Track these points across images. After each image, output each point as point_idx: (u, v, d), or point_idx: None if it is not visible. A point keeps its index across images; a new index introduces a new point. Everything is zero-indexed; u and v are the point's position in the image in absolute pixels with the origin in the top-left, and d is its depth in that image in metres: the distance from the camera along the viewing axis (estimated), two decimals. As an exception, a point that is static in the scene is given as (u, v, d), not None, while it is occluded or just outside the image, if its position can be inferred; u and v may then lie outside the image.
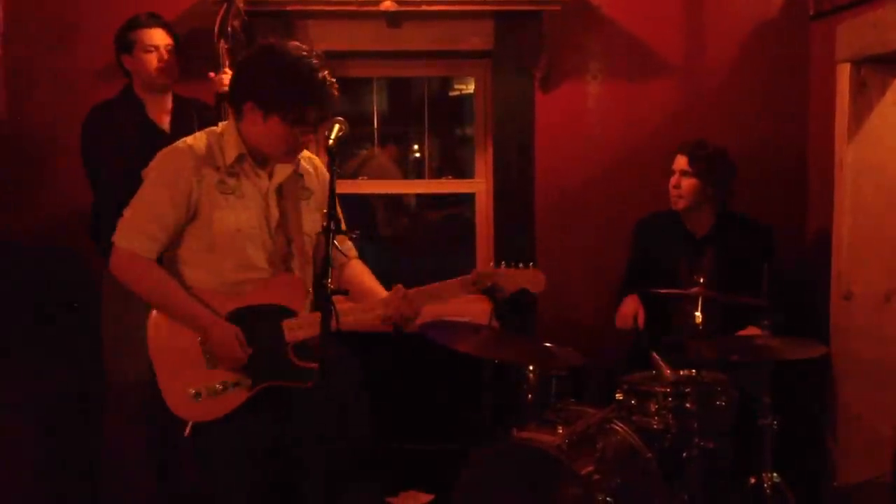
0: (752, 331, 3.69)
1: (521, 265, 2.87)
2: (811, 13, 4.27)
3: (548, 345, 3.33)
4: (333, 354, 2.60)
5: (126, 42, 3.74)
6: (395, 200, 5.26)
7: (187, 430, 2.76)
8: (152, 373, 2.80)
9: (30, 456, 3.76)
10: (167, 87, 3.82)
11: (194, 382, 2.75)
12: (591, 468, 3.10)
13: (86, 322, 3.81)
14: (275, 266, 2.84)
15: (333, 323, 2.49)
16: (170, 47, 3.76)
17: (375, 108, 4.90)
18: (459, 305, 3.88)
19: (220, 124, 2.90)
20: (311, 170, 2.96)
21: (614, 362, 3.88)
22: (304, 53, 2.73)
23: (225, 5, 3.80)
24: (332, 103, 2.75)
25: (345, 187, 4.17)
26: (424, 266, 5.08)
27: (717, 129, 4.19)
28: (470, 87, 4.83)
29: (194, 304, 2.76)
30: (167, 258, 2.82)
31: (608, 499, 3.04)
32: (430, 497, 4.07)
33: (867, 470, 3.77)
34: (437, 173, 4.92)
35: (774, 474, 3.43)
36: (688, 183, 3.89)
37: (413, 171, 5.19)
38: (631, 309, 3.87)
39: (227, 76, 3.66)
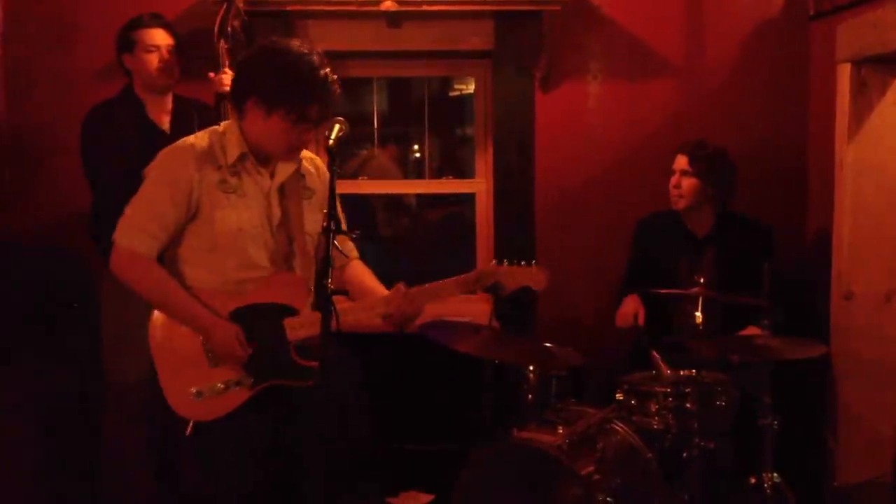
0: (752, 331, 3.69)
1: (523, 263, 2.88)
2: (811, 13, 4.27)
3: (548, 345, 3.33)
4: (333, 354, 2.60)
5: (127, 41, 3.74)
6: (395, 200, 5.26)
7: (189, 430, 2.76)
8: (153, 372, 2.80)
9: (30, 456, 3.76)
10: (168, 88, 3.81)
11: (196, 381, 2.75)
12: (591, 468, 3.10)
13: (86, 322, 3.81)
14: (276, 265, 2.84)
15: (333, 323, 2.49)
16: (171, 47, 3.76)
17: (375, 108, 4.90)
18: (459, 306, 3.89)
19: (222, 123, 2.90)
20: (312, 170, 2.96)
21: (614, 362, 3.88)
22: (306, 51, 2.74)
23: (225, 5, 3.80)
24: (334, 100, 2.76)
25: (345, 187, 4.17)
26: (425, 266, 5.08)
27: (718, 129, 4.19)
28: (470, 87, 4.83)
29: (194, 303, 2.76)
30: (168, 257, 2.82)
31: (608, 499, 3.03)
32: (430, 497, 4.07)
33: (867, 470, 3.77)
34: (438, 173, 4.92)
35: (775, 474, 3.43)
36: (688, 183, 3.89)
37: (413, 171, 5.19)
38: (631, 308, 3.87)
39: (226, 76, 3.66)
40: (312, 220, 2.87)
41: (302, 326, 2.78)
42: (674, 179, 3.94)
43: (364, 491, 3.75)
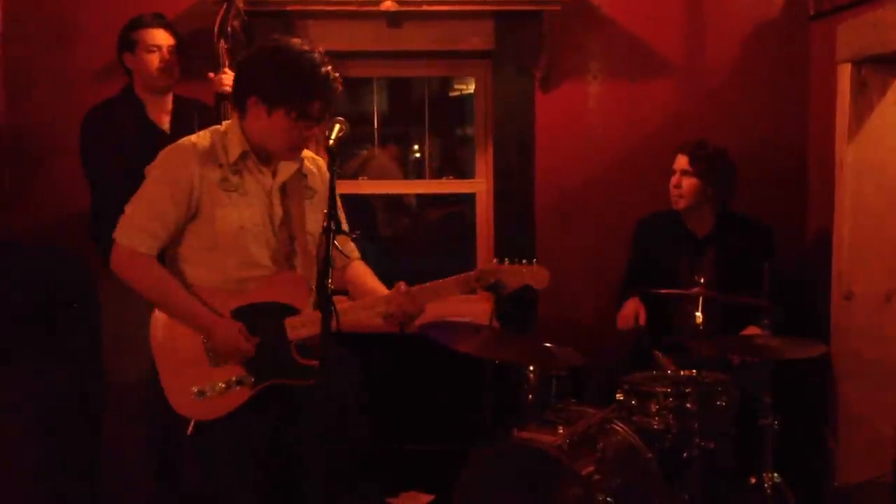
0: (752, 331, 3.69)
1: (524, 262, 2.88)
2: (811, 13, 4.27)
3: (548, 345, 3.33)
4: (333, 354, 2.60)
5: (129, 41, 3.74)
6: (395, 200, 5.26)
7: (190, 429, 2.76)
8: (153, 372, 2.80)
9: (30, 456, 3.75)
10: (168, 88, 3.81)
11: (197, 381, 2.75)
12: (591, 468, 3.10)
13: (85, 322, 3.81)
14: (278, 264, 2.84)
15: (334, 323, 2.49)
16: (172, 48, 3.76)
17: (376, 108, 4.90)
18: (460, 305, 3.89)
19: (224, 123, 2.91)
20: (314, 170, 2.97)
21: (615, 362, 3.88)
22: (307, 49, 2.74)
23: (225, 5, 3.80)
24: (336, 98, 2.77)
25: (345, 187, 4.17)
26: (425, 266, 5.08)
27: (718, 129, 4.19)
28: (470, 87, 4.83)
29: (194, 302, 2.76)
30: (169, 256, 2.83)
31: (609, 499, 3.03)
32: (430, 497, 4.07)
33: (868, 470, 3.77)
34: (438, 173, 4.92)
35: (775, 474, 3.43)
36: (688, 183, 3.89)
37: (413, 171, 5.19)
38: (631, 310, 3.86)
39: (226, 76, 3.66)
40: (314, 219, 2.87)
41: (303, 325, 2.78)
42: (674, 179, 3.94)
43: (364, 491, 3.75)
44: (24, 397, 3.70)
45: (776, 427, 3.41)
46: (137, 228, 2.75)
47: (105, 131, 3.72)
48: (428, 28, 4.31)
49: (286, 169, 2.88)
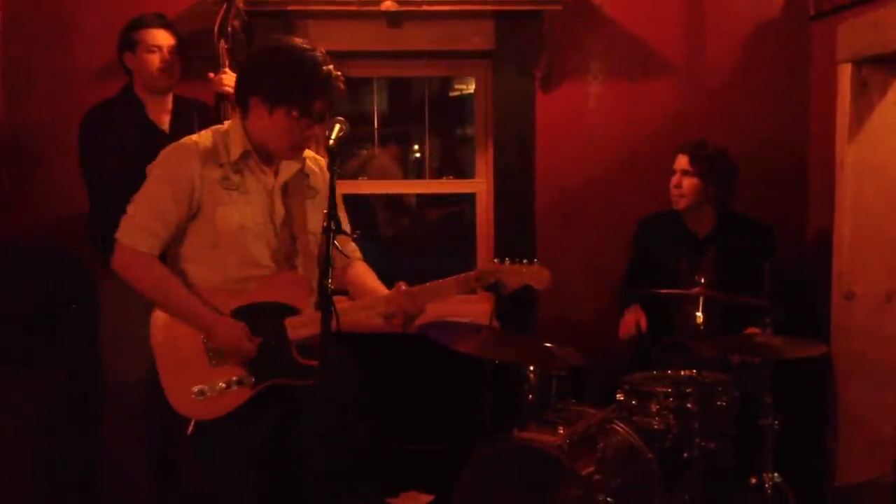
0: (753, 332, 3.68)
1: (525, 261, 2.87)
2: (812, 13, 4.27)
3: (548, 345, 3.32)
4: (333, 354, 2.59)
5: (129, 40, 3.73)
6: (395, 200, 5.26)
7: (190, 429, 2.75)
8: (153, 372, 2.80)
9: (29, 456, 3.75)
10: (168, 88, 3.80)
11: (197, 380, 2.75)
12: (591, 468, 3.09)
13: (85, 322, 3.80)
14: (279, 264, 2.84)
15: (334, 323, 2.49)
16: (172, 48, 3.75)
17: (376, 108, 4.90)
18: (460, 305, 3.89)
19: (226, 122, 2.91)
20: (316, 170, 2.97)
21: (615, 362, 3.87)
22: (309, 48, 2.75)
23: (225, 5, 3.79)
24: (338, 97, 2.77)
25: (345, 187, 4.16)
26: (425, 266, 5.08)
27: (718, 129, 4.19)
28: (470, 87, 4.83)
29: (196, 301, 2.76)
30: (170, 256, 2.82)
31: (609, 499, 3.03)
32: (430, 497, 4.07)
33: (868, 470, 3.77)
34: (438, 173, 4.92)
35: (775, 474, 3.42)
36: (689, 182, 3.89)
37: (413, 171, 5.18)
38: (633, 318, 3.86)
39: (226, 76, 3.66)
40: (316, 219, 2.87)
41: (303, 325, 2.78)
42: (674, 179, 3.93)
43: (364, 491, 3.74)
44: (23, 397, 3.70)
45: (776, 427, 3.40)
46: (139, 228, 2.75)
47: (104, 131, 3.72)
48: (428, 28, 4.31)
49: (288, 168, 2.88)
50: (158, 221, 2.75)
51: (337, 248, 2.54)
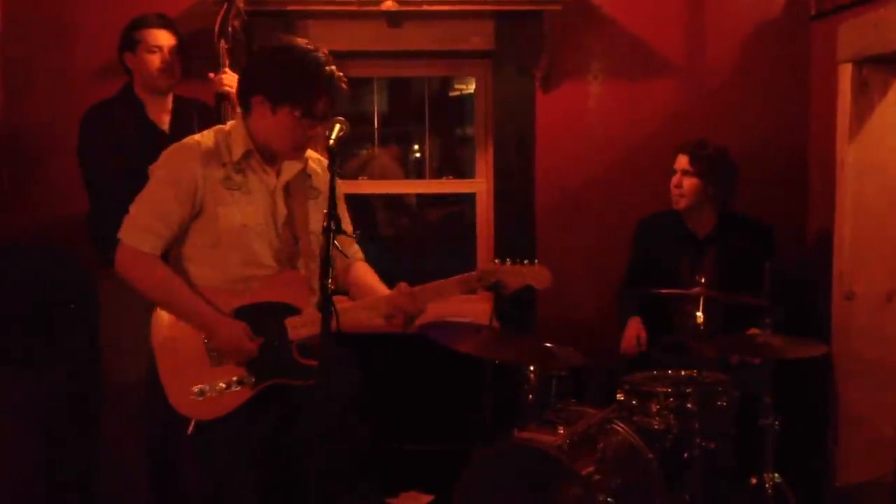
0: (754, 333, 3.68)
1: (525, 262, 2.87)
2: (812, 13, 4.27)
3: (548, 345, 3.32)
4: (333, 354, 2.59)
5: (130, 40, 3.73)
6: (395, 200, 5.25)
7: (190, 429, 2.75)
8: (153, 372, 2.79)
9: (28, 456, 3.75)
10: (169, 89, 3.79)
11: (198, 380, 2.75)
12: (591, 468, 3.09)
13: (84, 322, 3.80)
14: (281, 263, 2.85)
15: (333, 323, 2.49)
16: (173, 48, 3.75)
17: (376, 108, 4.89)
18: (460, 305, 3.88)
19: (229, 122, 2.91)
20: (319, 170, 2.97)
21: (615, 362, 3.87)
22: (312, 48, 2.76)
23: (225, 5, 3.79)
24: (340, 97, 2.77)
25: (345, 187, 4.14)
26: (425, 266, 5.07)
27: (719, 129, 4.18)
28: (470, 87, 4.82)
29: (198, 301, 2.76)
30: (172, 256, 2.83)
31: (609, 499, 3.02)
32: (430, 498, 4.06)
33: (869, 470, 3.77)
34: (438, 173, 4.92)
35: (776, 474, 3.41)
36: (689, 182, 3.88)
37: (413, 170, 5.18)
38: (634, 333, 3.87)
39: (227, 76, 3.65)
40: (318, 219, 2.87)
41: (304, 325, 2.78)
42: (675, 179, 3.93)
43: (364, 491, 3.74)
44: (22, 397, 3.69)
45: (777, 427, 3.40)
46: (141, 228, 2.75)
47: (104, 131, 3.71)
48: (428, 28, 4.30)
49: (290, 168, 2.88)
50: (161, 221, 2.75)
51: (337, 248, 2.54)
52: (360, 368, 3.72)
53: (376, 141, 4.95)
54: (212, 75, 3.71)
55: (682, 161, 3.90)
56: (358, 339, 3.23)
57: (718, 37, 4.36)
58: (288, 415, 2.85)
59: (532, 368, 3.40)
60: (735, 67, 4.36)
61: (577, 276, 4.34)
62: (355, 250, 3.06)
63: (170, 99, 3.82)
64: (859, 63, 3.87)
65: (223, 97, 3.64)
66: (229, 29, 3.79)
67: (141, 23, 3.74)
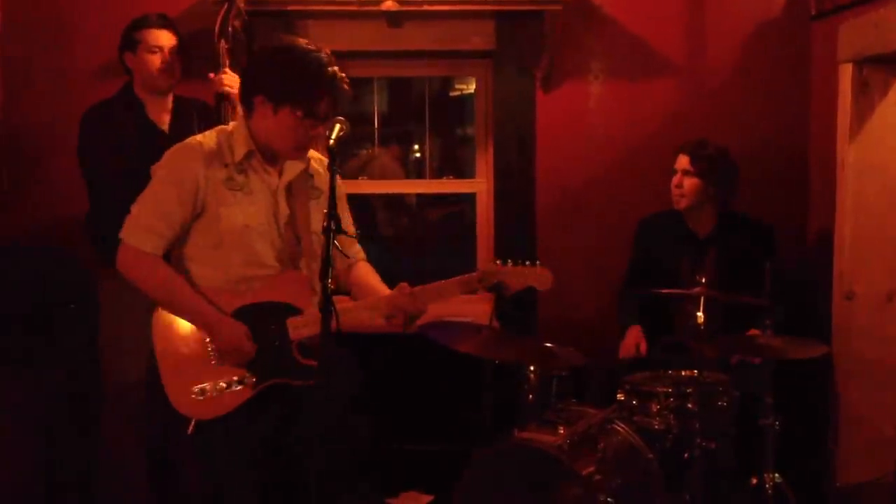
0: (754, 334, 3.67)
1: (527, 263, 2.87)
2: (813, 13, 4.26)
3: (549, 345, 3.31)
4: (333, 354, 2.59)
5: (131, 40, 3.73)
6: (395, 200, 5.25)
7: (190, 428, 2.75)
8: (152, 372, 2.79)
9: (28, 456, 3.75)
10: (169, 89, 3.79)
11: (199, 380, 2.75)
12: (592, 468, 3.09)
13: (84, 322, 3.80)
14: (283, 263, 2.85)
15: (333, 323, 2.48)
16: (174, 48, 3.74)
17: (376, 107, 4.89)
18: (460, 306, 3.88)
19: (231, 123, 2.91)
20: (321, 170, 2.97)
21: (616, 362, 3.87)
22: (314, 48, 2.76)
23: (226, 5, 3.79)
24: (342, 97, 2.77)
25: (346, 187, 4.16)
26: (425, 266, 5.08)
27: (719, 129, 4.18)
28: (471, 87, 4.82)
29: (200, 301, 2.76)
30: (175, 256, 2.84)
31: (609, 499, 3.02)
32: (430, 498, 4.06)
33: (869, 470, 3.77)
34: (438, 173, 4.92)
35: (776, 475, 3.41)
36: (690, 182, 3.88)
37: (414, 170, 5.18)
38: (633, 341, 3.87)
39: (227, 76, 3.66)
40: (319, 219, 2.85)
41: (305, 325, 2.78)
42: (675, 179, 3.93)
43: (364, 491, 3.74)
44: (22, 397, 3.69)
45: (777, 427, 3.40)
46: (143, 228, 2.76)
47: (104, 131, 3.71)
48: (429, 28, 4.30)
49: (292, 168, 2.88)
50: (163, 222, 2.75)
51: (337, 248, 2.54)
52: (361, 368, 3.72)
53: (376, 141, 4.95)
54: (212, 75, 3.71)
55: (683, 161, 3.90)
56: (358, 339, 3.22)
57: (719, 37, 4.36)
58: (288, 415, 2.85)
59: (532, 368, 3.40)
60: (735, 67, 4.36)
61: (577, 276, 4.34)
62: (357, 250, 3.06)
63: (170, 99, 3.81)
64: (860, 63, 3.87)
65: (223, 97, 3.64)
66: (229, 29, 3.79)
67: (141, 23, 3.74)
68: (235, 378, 2.77)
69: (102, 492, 3.87)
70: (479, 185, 4.59)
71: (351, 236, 2.90)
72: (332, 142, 2.60)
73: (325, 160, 2.98)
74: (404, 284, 2.86)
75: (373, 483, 3.87)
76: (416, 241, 5.33)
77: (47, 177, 4.25)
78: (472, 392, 3.93)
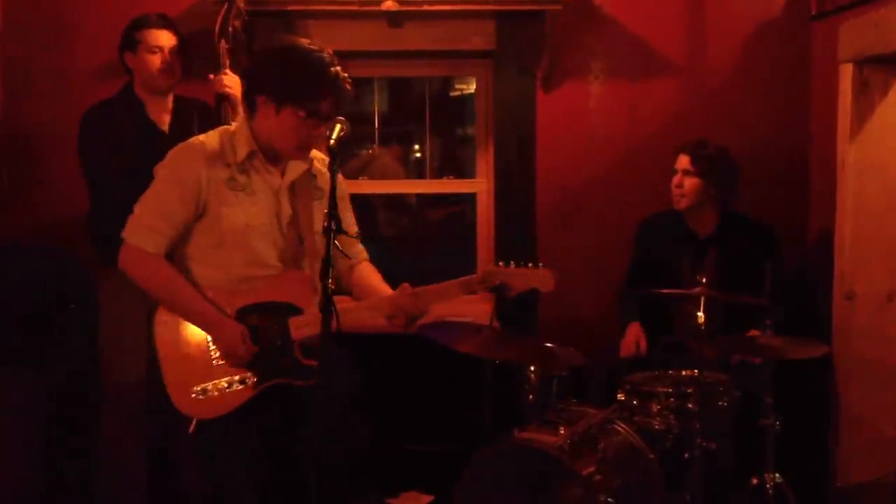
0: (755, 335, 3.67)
1: (530, 264, 2.86)
2: (813, 13, 4.27)
3: (549, 345, 3.31)
4: (334, 354, 2.59)
5: (131, 40, 3.73)
6: (396, 200, 5.25)
7: (191, 428, 2.75)
8: (153, 372, 2.79)
9: (27, 456, 3.75)
10: (169, 89, 3.79)
11: (200, 379, 2.75)
12: (592, 469, 3.09)
13: (84, 322, 3.80)
14: (286, 263, 2.85)
15: (334, 324, 2.48)
16: (174, 49, 3.74)
17: (377, 107, 4.89)
18: (460, 306, 3.88)
19: (234, 123, 2.91)
20: (324, 170, 2.97)
21: (616, 362, 3.87)
22: (316, 49, 2.77)
23: (226, 5, 3.79)
24: (345, 97, 2.78)
25: (348, 188, 4.16)
26: (425, 266, 5.08)
27: (719, 129, 4.18)
28: (471, 87, 4.82)
29: (201, 300, 2.77)
30: (177, 255, 2.84)
31: (609, 499, 3.02)
32: (430, 498, 4.06)
33: (870, 470, 3.77)
34: (439, 173, 4.92)
35: (776, 475, 3.41)
36: (690, 182, 3.88)
37: (414, 170, 5.18)
38: (633, 338, 3.87)
39: (227, 77, 3.66)
40: (322, 219, 2.86)
41: (306, 325, 2.78)
42: (676, 179, 3.93)
43: (364, 491, 3.74)
44: (22, 397, 3.69)
45: (777, 427, 3.40)
46: (146, 228, 2.76)
47: (104, 131, 3.71)
48: (429, 28, 4.30)
49: (295, 169, 2.88)
50: (165, 221, 2.76)
51: (338, 247, 2.54)
52: (361, 368, 3.72)
53: (377, 141, 4.95)
54: (212, 76, 3.71)
55: (683, 161, 3.90)
56: (358, 339, 3.22)
57: (719, 37, 4.36)
58: (289, 415, 2.85)
59: (532, 368, 3.40)
60: (736, 67, 4.36)
61: (577, 277, 4.33)
62: (359, 250, 3.06)
63: (170, 99, 3.81)
64: (860, 63, 3.87)
65: (223, 98, 3.64)
66: (230, 29, 3.79)
67: (142, 23, 3.74)
68: (237, 378, 2.77)
69: (102, 492, 3.87)
70: (480, 186, 4.59)
71: (351, 236, 2.90)
72: (332, 142, 2.60)
73: (328, 160, 2.99)
74: (406, 285, 2.86)
75: (373, 483, 3.87)
76: (416, 241, 5.33)
77: (47, 177, 4.25)
78: (472, 392, 3.93)
